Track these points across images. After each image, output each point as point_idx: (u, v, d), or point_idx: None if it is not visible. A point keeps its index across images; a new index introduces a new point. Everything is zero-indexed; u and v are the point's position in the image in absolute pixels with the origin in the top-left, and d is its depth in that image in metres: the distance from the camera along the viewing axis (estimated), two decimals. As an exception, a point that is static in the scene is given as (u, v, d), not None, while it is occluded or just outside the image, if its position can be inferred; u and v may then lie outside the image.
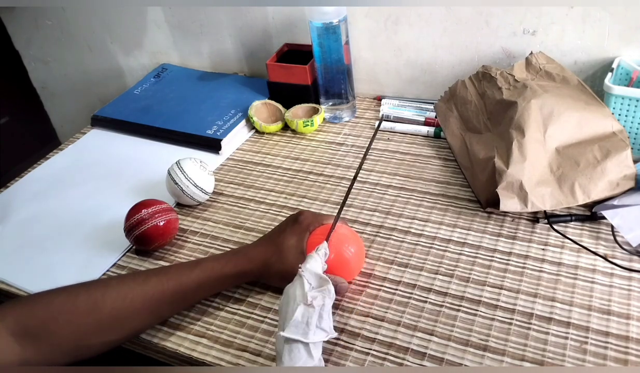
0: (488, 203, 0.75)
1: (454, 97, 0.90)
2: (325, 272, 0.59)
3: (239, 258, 0.66)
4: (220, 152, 0.95)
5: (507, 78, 0.83)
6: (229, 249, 0.75)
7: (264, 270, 0.65)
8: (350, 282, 0.67)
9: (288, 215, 0.80)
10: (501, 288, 0.65)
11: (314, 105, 1.01)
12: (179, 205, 0.84)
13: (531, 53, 0.87)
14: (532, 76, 0.84)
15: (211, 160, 0.93)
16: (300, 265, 0.56)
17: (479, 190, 0.77)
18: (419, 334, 0.61)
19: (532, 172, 0.71)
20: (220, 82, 1.15)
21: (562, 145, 0.74)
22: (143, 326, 0.63)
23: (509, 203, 0.71)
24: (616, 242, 0.68)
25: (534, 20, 0.88)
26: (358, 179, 0.85)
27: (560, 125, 0.74)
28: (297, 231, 0.66)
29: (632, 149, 0.73)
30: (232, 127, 0.98)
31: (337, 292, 0.62)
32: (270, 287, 0.68)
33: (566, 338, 0.58)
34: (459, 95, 0.89)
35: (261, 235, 0.77)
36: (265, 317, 0.65)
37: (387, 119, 0.98)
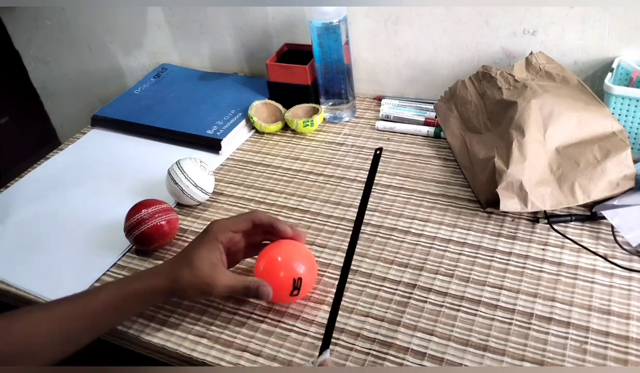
0: (488, 203, 0.75)
1: (454, 97, 0.90)
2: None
3: (146, 274, 0.64)
4: (220, 152, 0.95)
5: (507, 78, 0.83)
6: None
7: (174, 284, 0.62)
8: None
9: (288, 216, 0.80)
10: (501, 288, 0.65)
11: (314, 105, 1.01)
12: (179, 205, 0.84)
13: (531, 53, 0.87)
14: (532, 76, 0.84)
15: (211, 160, 0.93)
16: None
17: (479, 190, 0.77)
18: (419, 334, 0.61)
19: (532, 172, 0.71)
20: (220, 82, 1.15)
21: (562, 145, 0.74)
22: (59, 355, 0.59)
23: (509, 203, 0.71)
24: (616, 242, 0.68)
25: (534, 20, 0.88)
26: (357, 179, 0.86)
27: (560, 125, 0.74)
28: (205, 241, 0.64)
29: (632, 148, 0.73)
30: (232, 127, 0.98)
31: (259, 296, 0.62)
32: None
33: (566, 338, 0.58)
34: (459, 95, 0.89)
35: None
36: (265, 317, 0.65)
37: (387, 119, 0.98)
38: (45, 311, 0.60)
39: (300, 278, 0.62)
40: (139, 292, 0.62)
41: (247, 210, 0.82)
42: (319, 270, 0.70)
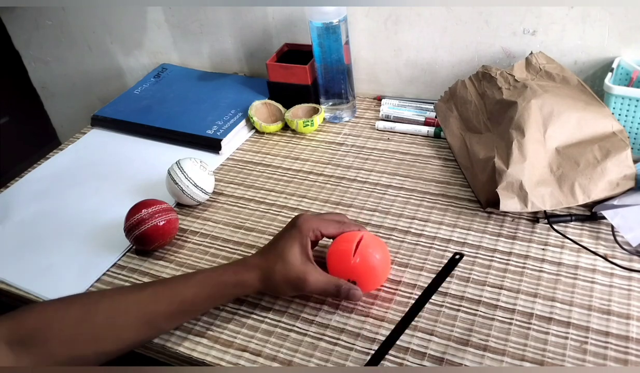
0: (488, 203, 0.75)
1: (454, 97, 0.90)
2: (347, 277, 0.62)
3: (238, 267, 0.65)
4: (220, 152, 0.95)
5: (507, 78, 0.83)
6: (229, 249, 0.76)
7: (265, 278, 0.62)
8: (378, 289, 0.67)
9: (288, 215, 0.80)
10: (501, 288, 0.65)
11: (314, 105, 1.01)
12: (179, 205, 0.84)
13: (531, 53, 0.87)
14: (532, 76, 0.84)
15: (211, 160, 0.93)
16: None
17: (479, 190, 0.77)
18: (419, 334, 0.61)
19: (532, 172, 0.71)
20: (220, 82, 1.15)
21: (562, 145, 0.74)
22: (139, 338, 0.60)
23: (508, 203, 0.71)
24: (616, 242, 0.68)
25: (534, 20, 0.88)
26: (357, 179, 0.86)
27: (560, 125, 0.74)
28: (297, 236, 0.64)
29: (632, 148, 0.73)
30: (232, 127, 0.98)
31: (349, 297, 0.62)
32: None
33: (566, 338, 0.58)
34: (459, 95, 0.89)
35: (261, 235, 0.77)
36: (265, 317, 0.65)
37: (387, 119, 0.98)
38: (134, 293, 0.61)
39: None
40: (230, 284, 0.63)
41: (248, 210, 0.82)
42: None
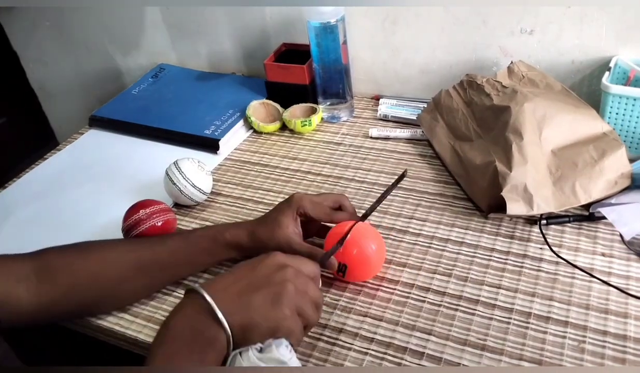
0: (490, 208, 0.74)
1: (439, 106, 0.89)
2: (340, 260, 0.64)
3: (230, 224, 0.71)
4: (218, 152, 0.95)
5: (494, 85, 0.83)
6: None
7: (254, 237, 0.67)
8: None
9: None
10: (499, 288, 0.65)
11: (311, 104, 1.01)
12: (177, 205, 0.84)
13: (512, 62, 0.87)
14: (516, 84, 0.84)
15: (209, 160, 0.93)
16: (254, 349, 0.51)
17: (479, 196, 0.76)
18: (417, 334, 0.61)
19: (534, 174, 0.71)
20: (218, 82, 1.15)
21: (558, 147, 0.74)
22: (136, 283, 0.66)
23: (514, 206, 0.70)
24: (614, 241, 0.68)
25: (531, 19, 0.88)
26: (355, 178, 0.86)
27: (554, 128, 0.74)
28: (286, 208, 0.68)
29: (628, 147, 0.74)
30: (230, 127, 0.98)
31: (326, 266, 0.63)
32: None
33: (564, 337, 0.58)
34: (444, 104, 0.88)
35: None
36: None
37: (385, 118, 0.99)
38: (119, 243, 0.69)
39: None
40: (221, 238, 0.68)
41: (246, 210, 0.82)
42: None
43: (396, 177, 0.69)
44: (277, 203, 0.82)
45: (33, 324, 0.62)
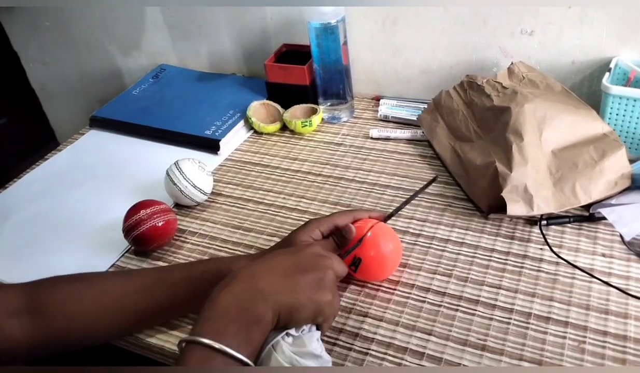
0: (490, 209, 0.74)
1: (439, 107, 0.89)
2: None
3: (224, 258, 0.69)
4: (218, 152, 0.95)
5: (494, 85, 0.83)
6: (227, 249, 0.76)
7: (254, 258, 0.65)
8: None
9: (286, 215, 0.80)
10: (499, 288, 0.65)
11: (312, 105, 1.01)
12: (177, 205, 0.84)
13: (512, 63, 0.88)
14: (516, 84, 0.84)
15: (210, 161, 0.93)
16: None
17: (479, 196, 0.77)
18: (418, 334, 0.61)
19: (535, 175, 0.71)
20: (218, 82, 1.15)
21: (558, 148, 0.74)
22: (124, 324, 0.63)
23: (514, 207, 0.70)
24: (614, 242, 0.69)
25: (531, 20, 0.88)
26: (356, 179, 0.86)
27: (554, 129, 0.74)
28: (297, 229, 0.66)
29: (629, 148, 0.74)
30: (231, 127, 0.99)
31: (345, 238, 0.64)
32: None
33: (564, 337, 0.58)
34: (444, 105, 0.88)
35: (259, 235, 0.77)
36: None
37: (386, 119, 0.99)
38: (115, 283, 0.64)
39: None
40: (213, 268, 0.64)
41: (246, 210, 0.82)
42: None
43: (423, 182, 0.70)
44: (277, 203, 0.83)
45: (31, 359, 0.60)
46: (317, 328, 0.55)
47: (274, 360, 0.51)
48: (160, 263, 0.75)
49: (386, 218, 0.68)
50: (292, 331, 0.53)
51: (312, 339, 0.52)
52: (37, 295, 0.60)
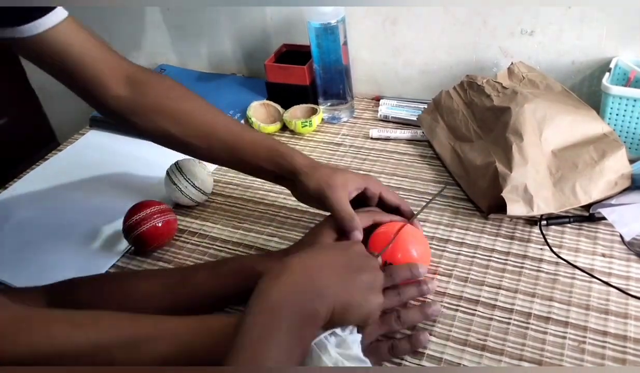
0: (490, 209, 0.74)
1: (439, 107, 0.89)
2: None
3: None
4: (218, 152, 0.95)
5: (494, 86, 0.83)
6: (227, 249, 0.76)
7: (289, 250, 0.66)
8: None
9: (286, 215, 0.80)
10: (499, 288, 0.65)
11: (312, 105, 1.01)
12: (177, 205, 0.84)
13: (512, 63, 0.88)
14: (516, 85, 0.84)
15: (210, 161, 0.93)
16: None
17: (479, 197, 0.77)
18: (418, 334, 0.61)
19: (535, 175, 0.71)
20: (218, 82, 1.15)
21: (558, 148, 0.74)
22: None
23: (514, 207, 0.70)
24: (614, 242, 0.69)
25: (531, 20, 0.88)
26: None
27: (554, 129, 0.74)
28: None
29: (629, 148, 0.74)
30: (231, 127, 0.98)
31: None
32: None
33: (564, 337, 0.58)
34: (444, 105, 0.88)
35: (259, 235, 0.77)
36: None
37: (386, 119, 0.99)
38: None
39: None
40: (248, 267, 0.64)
41: (246, 210, 0.82)
42: None
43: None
44: (277, 203, 0.83)
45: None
46: (357, 331, 0.53)
47: (318, 360, 0.48)
48: (161, 264, 0.75)
49: (411, 218, 0.68)
50: (338, 331, 0.50)
51: (356, 342, 0.50)
52: (60, 297, 0.59)
